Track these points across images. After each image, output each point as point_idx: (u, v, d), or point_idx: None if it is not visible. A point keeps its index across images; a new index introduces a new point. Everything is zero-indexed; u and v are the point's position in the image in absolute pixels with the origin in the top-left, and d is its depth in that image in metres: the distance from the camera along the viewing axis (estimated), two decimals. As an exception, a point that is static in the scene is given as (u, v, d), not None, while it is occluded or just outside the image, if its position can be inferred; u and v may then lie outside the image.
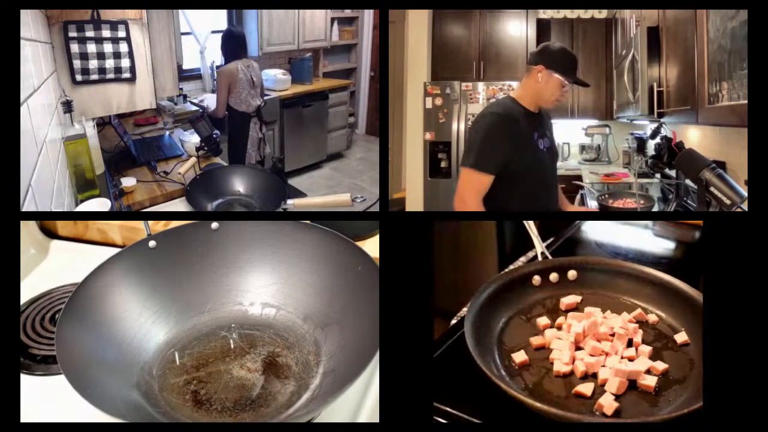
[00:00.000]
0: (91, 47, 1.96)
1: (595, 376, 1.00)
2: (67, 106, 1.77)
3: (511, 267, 1.36)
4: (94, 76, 2.00)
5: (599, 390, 0.97)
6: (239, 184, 2.06)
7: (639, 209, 2.05)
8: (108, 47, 2.00)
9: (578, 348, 1.06)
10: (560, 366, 1.02)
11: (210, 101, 3.23)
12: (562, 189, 1.78)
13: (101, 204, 1.73)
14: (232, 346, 1.17)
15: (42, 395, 1.11)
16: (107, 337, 1.08)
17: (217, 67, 3.02)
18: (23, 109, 1.21)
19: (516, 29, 3.51)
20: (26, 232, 1.55)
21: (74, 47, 1.93)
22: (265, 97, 3.14)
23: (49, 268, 1.52)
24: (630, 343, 1.07)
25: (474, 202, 1.51)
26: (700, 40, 1.58)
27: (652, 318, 1.14)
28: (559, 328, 1.12)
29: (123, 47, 2.04)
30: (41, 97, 1.50)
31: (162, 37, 2.25)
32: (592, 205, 2.36)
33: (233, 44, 2.90)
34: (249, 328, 1.21)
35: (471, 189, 1.52)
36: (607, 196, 2.22)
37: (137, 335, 1.13)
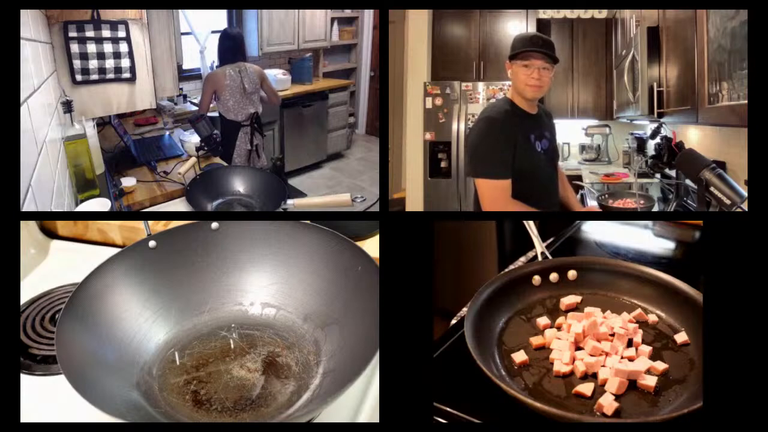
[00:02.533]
0: (91, 47, 1.96)
1: (595, 376, 1.00)
2: (67, 106, 1.77)
3: (511, 267, 1.36)
4: (94, 76, 2.00)
5: (599, 390, 0.97)
6: (239, 184, 2.06)
7: (639, 209, 2.05)
8: (108, 47, 2.00)
9: (578, 348, 1.07)
10: (560, 366, 1.02)
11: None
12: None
13: (101, 204, 1.73)
14: (232, 346, 1.17)
15: (42, 395, 1.11)
16: (107, 337, 1.08)
17: (217, 67, 2.98)
18: (23, 109, 1.21)
19: (516, 29, 3.51)
20: (26, 232, 1.55)
21: (74, 47, 1.93)
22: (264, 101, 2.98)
23: (49, 268, 1.52)
24: (630, 343, 1.07)
25: (508, 209, 1.49)
26: (700, 40, 1.58)
27: (652, 318, 1.14)
28: (559, 328, 1.12)
29: (123, 47, 2.04)
30: (41, 97, 1.50)
31: (162, 37, 2.25)
32: (592, 205, 2.36)
33: (228, 46, 2.76)
34: (249, 328, 1.21)
35: (498, 197, 1.49)
36: (607, 196, 2.21)
37: (137, 335, 1.13)
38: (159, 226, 1.46)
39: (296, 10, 4.20)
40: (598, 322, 1.09)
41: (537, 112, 1.61)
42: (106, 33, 1.99)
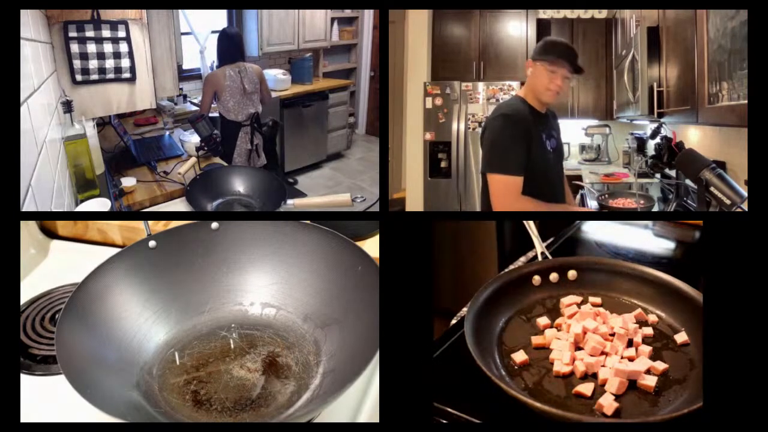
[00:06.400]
0: (91, 47, 1.96)
1: (595, 376, 1.00)
2: (67, 106, 1.77)
3: (511, 267, 1.36)
4: (94, 76, 2.00)
5: (599, 390, 0.97)
6: (239, 184, 2.06)
7: (639, 209, 2.05)
8: (108, 47, 2.00)
9: (578, 348, 1.07)
10: (560, 366, 1.02)
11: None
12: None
13: (101, 204, 1.73)
14: (232, 346, 1.17)
15: (42, 395, 1.11)
16: (107, 337, 1.08)
17: (217, 67, 2.98)
18: (23, 109, 1.21)
19: (516, 29, 3.51)
20: (26, 232, 1.55)
21: (74, 47, 1.93)
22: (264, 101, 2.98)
23: (49, 268, 1.52)
24: (630, 343, 1.07)
25: (517, 204, 1.49)
26: (700, 40, 1.58)
27: (652, 318, 1.14)
28: (559, 328, 1.12)
29: (123, 47, 2.04)
30: (41, 97, 1.50)
31: (162, 37, 2.25)
32: (592, 205, 2.36)
33: (226, 46, 2.77)
34: (249, 328, 1.21)
35: (508, 193, 1.50)
36: (607, 196, 2.22)
37: (137, 335, 1.13)
38: (159, 226, 1.46)
39: (296, 10, 4.20)
40: (598, 322, 1.09)
41: (545, 112, 1.62)
42: (106, 33, 1.99)
